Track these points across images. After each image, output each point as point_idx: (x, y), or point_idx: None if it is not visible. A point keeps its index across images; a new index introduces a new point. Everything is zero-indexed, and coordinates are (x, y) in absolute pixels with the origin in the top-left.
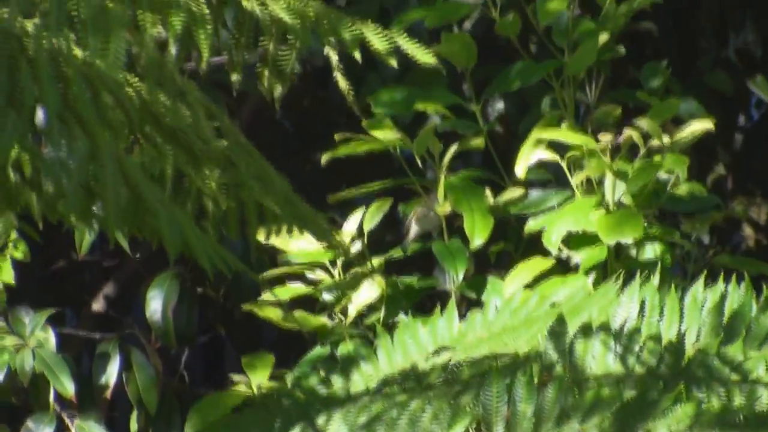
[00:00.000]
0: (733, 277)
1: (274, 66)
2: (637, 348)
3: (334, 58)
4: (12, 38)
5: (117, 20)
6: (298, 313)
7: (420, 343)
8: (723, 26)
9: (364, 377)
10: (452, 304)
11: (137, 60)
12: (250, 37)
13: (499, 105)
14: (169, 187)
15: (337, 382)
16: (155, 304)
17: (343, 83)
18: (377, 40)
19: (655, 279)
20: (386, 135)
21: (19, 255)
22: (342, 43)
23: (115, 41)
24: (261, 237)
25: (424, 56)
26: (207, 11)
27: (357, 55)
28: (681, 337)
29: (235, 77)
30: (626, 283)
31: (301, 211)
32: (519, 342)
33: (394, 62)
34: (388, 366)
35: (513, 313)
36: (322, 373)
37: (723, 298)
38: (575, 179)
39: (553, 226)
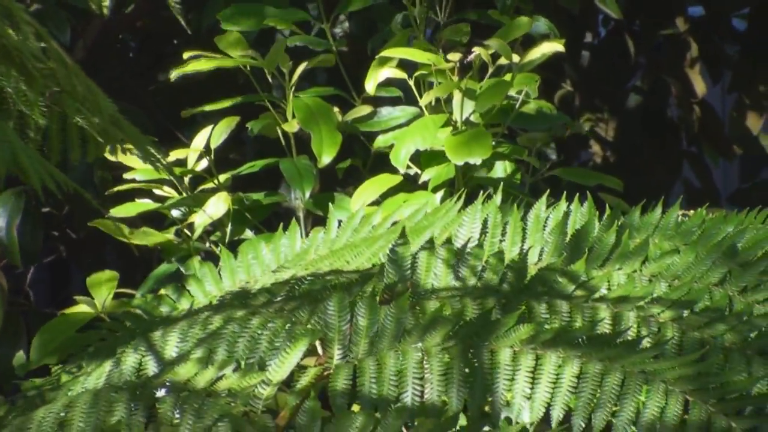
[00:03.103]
0: (576, 196)
1: None
2: (479, 266)
3: None
4: None
5: None
6: (144, 229)
7: (263, 261)
8: None
9: (207, 296)
10: (294, 222)
11: None
12: None
13: (345, 24)
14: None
15: (180, 301)
16: None
17: (172, 2)
18: None
19: (497, 197)
20: (235, 52)
21: None
22: None
23: None
24: (108, 155)
25: None
26: None
27: None
28: (523, 255)
29: None
30: (473, 200)
31: (129, 134)
32: (361, 259)
33: None
34: (231, 286)
35: (355, 230)
36: (165, 293)
37: (566, 216)
38: (424, 98)
39: (402, 143)
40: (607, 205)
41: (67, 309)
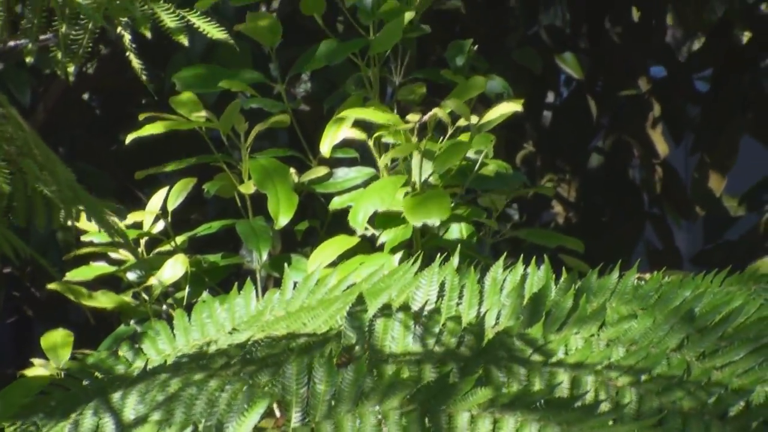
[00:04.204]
0: (533, 259)
1: (67, 47)
2: (436, 329)
3: (126, 37)
4: None
5: None
6: (101, 292)
7: (217, 321)
8: (533, 3)
9: (160, 354)
10: (248, 283)
11: None
12: (42, 18)
13: (307, 84)
14: None
15: (135, 360)
16: None
17: (136, 63)
18: (168, 18)
19: (455, 260)
20: (192, 113)
21: None
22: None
23: None
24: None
25: (216, 33)
26: None
27: (147, 33)
28: (480, 318)
29: (28, 59)
30: (431, 263)
31: (84, 201)
32: (317, 322)
33: (184, 39)
34: (185, 344)
35: (311, 292)
36: (121, 352)
37: (523, 279)
38: (383, 159)
39: (360, 204)
40: (563, 268)
41: (26, 371)
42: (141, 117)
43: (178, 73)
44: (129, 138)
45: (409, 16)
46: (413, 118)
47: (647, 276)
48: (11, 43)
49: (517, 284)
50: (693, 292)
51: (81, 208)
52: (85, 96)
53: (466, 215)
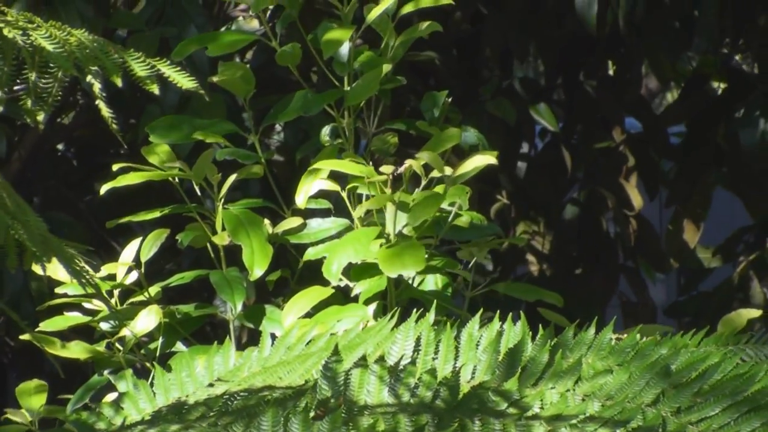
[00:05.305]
0: (509, 315)
1: (37, 95)
2: (412, 383)
3: (96, 85)
4: None
5: None
6: (75, 343)
7: (196, 378)
8: (507, 55)
9: (140, 413)
10: (227, 340)
11: None
12: (12, 67)
13: (280, 135)
14: None
15: (115, 418)
16: None
17: (105, 111)
18: (138, 67)
19: (431, 315)
20: (165, 164)
21: None
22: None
23: None
24: (38, 269)
25: (185, 83)
26: None
27: (118, 82)
28: (456, 373)
29: None
30: (407, 315)
31: (56, 250)
32: (293, 376)
33: (155, 88)
34: (164, 401)
35: (289, 348)
36: (100, 409)
37: (499, 335)
38: (357, 210)
39: (334, 255)
40: (540, 325)
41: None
42: (115, 168)
43: (152, 124)
44: (103, 189)
45: (386, 68)
46: (387, 169)
47: (624, 336)
48: None
49: (493, 340)
50: (670, 349)
51: (50, 259)
52: (60, 146)
53: (440, 266)
